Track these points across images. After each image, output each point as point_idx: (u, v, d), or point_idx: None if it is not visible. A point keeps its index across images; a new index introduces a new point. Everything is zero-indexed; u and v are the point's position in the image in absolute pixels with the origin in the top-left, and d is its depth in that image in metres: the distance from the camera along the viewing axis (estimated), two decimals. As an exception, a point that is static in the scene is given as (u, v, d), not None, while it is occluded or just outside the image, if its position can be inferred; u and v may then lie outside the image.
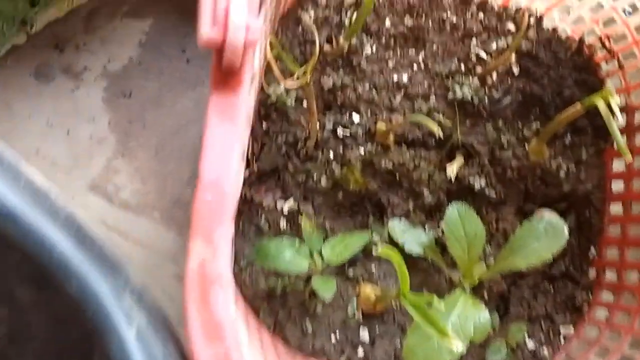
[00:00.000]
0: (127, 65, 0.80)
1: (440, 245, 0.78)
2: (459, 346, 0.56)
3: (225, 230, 0.38)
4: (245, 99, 0.38)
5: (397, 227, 0.77)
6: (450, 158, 0.80)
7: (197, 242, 0.37)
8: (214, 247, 0.37)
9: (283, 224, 0.74)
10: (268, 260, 0.67)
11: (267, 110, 0.75)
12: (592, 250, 0.83)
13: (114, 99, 0.80)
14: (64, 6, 0.77)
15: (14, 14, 0.73)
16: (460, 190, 0.80)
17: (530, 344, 0.79)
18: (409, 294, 0.63)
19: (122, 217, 0.78)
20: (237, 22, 0.34)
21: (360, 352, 0.75)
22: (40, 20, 0.76)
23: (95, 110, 0.79)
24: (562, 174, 0.81)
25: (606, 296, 0.80)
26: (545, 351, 0.79)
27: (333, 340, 0.74)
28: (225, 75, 0.38)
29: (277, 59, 0.58)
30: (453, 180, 0.76)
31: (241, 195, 0.73)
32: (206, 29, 0.35)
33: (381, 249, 0.56)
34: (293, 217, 0.75)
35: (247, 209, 0.73)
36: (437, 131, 0.65)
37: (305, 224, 0.71)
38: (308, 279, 0.71)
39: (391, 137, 0.78)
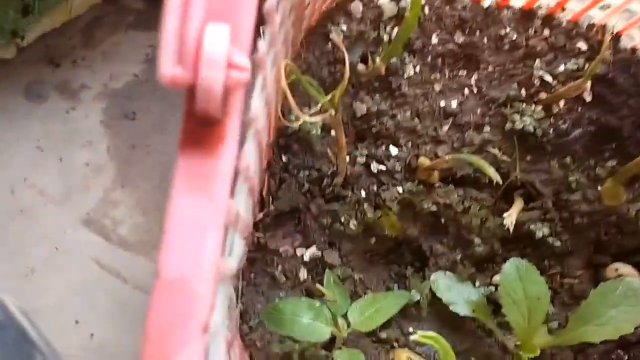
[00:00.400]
0: (131, 83, 0.70)
1: (492, 303, 0.66)
2: None
3: (195, 351, 0.26)
4: (232, 159, 0.26)
5: (442, 281, 0.65)
6: (507, 200, 0.67)
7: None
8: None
9: (303, 274, 0.63)
10: (282, 326, 0.55)
11: (287, 140, 0.64)
12: (678, 314, 0.68)
13: (115, 122, 0.70)
14: (61, 16, 0.67)
15: (2, 24, 0.64)
16: (518, 239, 0.67)
17: None
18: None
19: (119, 255, 0.68)
20: (213, 57, 0.23)
21: None
22: (33, 32, 0.67)
23: (93, 134, 0.69)
24: (642, 221, 0.67)
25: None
26: None
27: (361, 419, 0.62)
28: (202, 127, 0.26)
29: (296, 85, 0.46)
30: (512, 230, 0.62)
31: (253, 241, 0.62)
32: (168, 67, 0.23)
33: (420, 334, 0.44)
34: (315, 267, 0.64)
35: (260, 257, 0.62)
36: (495, 176, 0.52)
37: (329, 279, 0.59)
38: (332, 341, 0.60)
39: (435, 174, 0.66)
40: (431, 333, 0.45)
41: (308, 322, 0.56)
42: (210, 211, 0.27)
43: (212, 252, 0.27)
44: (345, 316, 0.58)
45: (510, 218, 0.62)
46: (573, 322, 0.60)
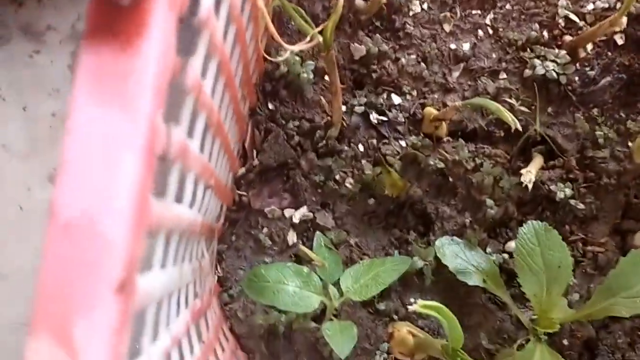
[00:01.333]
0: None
1: (505, 273, 0.59)
2: None
3: (105, 315, 0.19)
4: (158, 59, 0.19)
5: (448, 247, 0.58)
6: (525, 157, 0.60)
7: (41, 344, 0.19)
8: (74, 354, 0.18)
9: (292, 238, 0.57)
10: (264, 295, 0.49)
11: (274, 85, 0.57)
12: None
13: (85, 68, 0.62)
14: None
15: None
16: (536, 201, 0.61)
17: (625, 409, 0.59)
18: (460, 352, 0.44)
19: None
20: None
21: (392, 416, 0.56)
22: (-8, -36, 0.60)
23: (60, 80, 0.62)
24: (679, 182, 0.60)
25: None
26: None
27: (355, 399, 0.56)
28: (115, 10, 0.19)
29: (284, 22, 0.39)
30: (530, 188, 0.55)
31: (234, 199, 0.55)
32: None
33: (420, 304, 0.37)
34: (306, 230, 0.57)
35: (243, 217, 0.56)
36: (514, 123, 0.45)
37: (319, 242, 0.52)
38: (323, 312, 0.53)
39: (444, 127, 0.59)
40: (434, 303, 0.39)
41: (294, 290, 0.49)
42: (124, 127, 0.20)
43: (128, 185, 0.20)
44: (337, 284, 0.52)
45: (528, 175, 0.54)
46: (598, 294, 0.53)
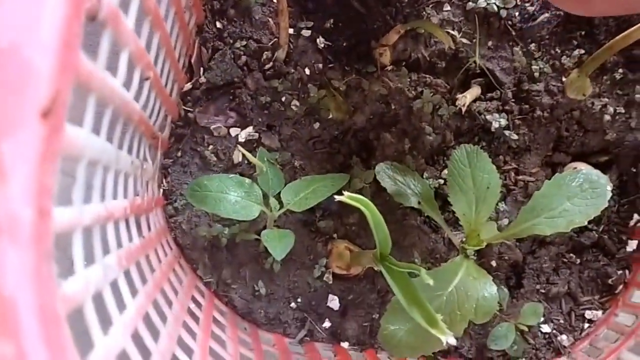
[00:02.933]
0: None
1: (441, 199, 0.61)
2: (451, 340, 0.39)
3: (30, 136, 0.20)
4: None
5: (388, 171, 0.60)
6: (464, 88, 0.62)
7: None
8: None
9: (237, 157, 0.58)
10: (206, 203, 0.50)
11: (222, 4, 0.57)
12: (635, 217, 0.65)
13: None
14: None
15: None
16: (473, 130, 0.63)
17: (546, 328, 0.63)
18: (389, 258, 0.47)
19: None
20: None
21: (327, 323, 0.59)
22: None
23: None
24: (606, 117, 0.63)
25: (649, 276, 0.63)
26: (564, 339, 0.63)
27: (293, 306, 0.58)
28: None
29: None
30: (464, 111, 0.57)
31: (180, 113, 0.56)
32: None
33: (347, 195, 0.39)
34: (252, 150, 0.58)
35: (189, 133, 0.57)
36: (449, 43, 0.47)
37: (262, 157, 0.53)
38: (265, 227, 0.55)
39: (388, 55, 0.60)
40: (358, 196, 0.40)
41: (236, 199, 0.51)
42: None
43: (52, 13, 0.21)
44: (278, 197, 0.53)
45: (463, 99, 0.57)
46: (523, 214, 0.56)
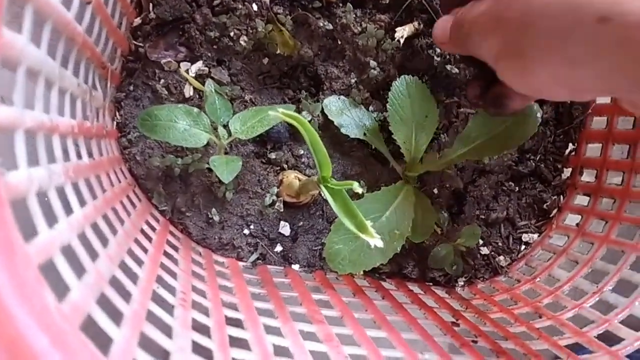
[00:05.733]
0: None
1: (386, 131, 0.64)
2: (378, 243, 0.43)
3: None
4: None
5: (334, 104, 0.63)
6: (407, 24, 0.64)
7: None
8: None
9: (189, 91, 0.60)
10: (156, 132, 0.52)
11: (168, -62, 0.58)
12: (570, 146, 0.69)
13: None
14: None
15: None
16: (416, 66, 0.65)
17: (485, 251, 0.68)
18: (330, 179, 0.50)
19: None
20: None
21: (279, 248, 0.62)
22: None
23: None
24: (542, 51, 0.66)
25: (580, 200, 0.67)
26: (502, 259, 0.68)
27: (246, 232, 0.61)
28: None
29: None
30: (402, 43, 0.60)
31: (130, 48, 0.58)
32: None
33: (281, 111, 0.41)
34: (203, 84, 0.60)
35: (140, 68, 0.58)
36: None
37: (210, 87, 0.56)
38: (219, 160, 0.57)
39: (332, -11, 0.62)
40: (294, 114, 0.43)
41: (185, 127, 0.53)
42: None
43: None
44: (226, 127, 0.56)
45: (401, 32, 0.59)
46: (459, 141, 0.59)
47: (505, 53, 0.37)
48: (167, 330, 0.36)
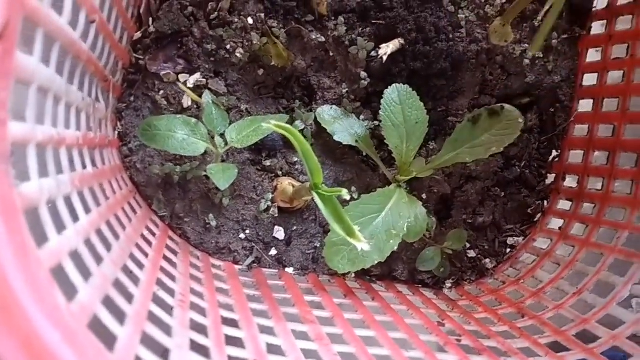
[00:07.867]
0: None
1: (377, 139, 0.67)
2: (364, 247, 0.46)
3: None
4: None
5: (327, 113, 0.66)
6: (395, 37, 0.67)
7: None
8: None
9: (187, 101, 0.62)
10: (156, 141, 0.55)
11: (167, -44, 0.61)
12: (554, 153, 0.72)
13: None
14: None
15: None
16: (407, 77, 0.67)
17: (472, 254, 0.70)
18: (321, 186, 0.52)
19: None
20: None
21: (273, 252, 0.65)
22: None
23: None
24: (526, 62, 0.69)
25: (563, 205, 0.70)
26: (487, 262, 0.70)
27: (242, 237, 0.64)
28: None
29: None
30: (384, 59, 0.63)
31: (131, 60, 0.60)
32: None
33: (273, 123, 0.44)
34: (200, 95, 0.62)
35: (140, 80, 0.61)
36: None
37: (207, 98, 0.58)
38: (216, 167, 0.60)
39: (324, 5, 0.64)
40: (286, 125, 0.45)
41: (183, 137, 0.56)
42: None
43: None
44: (223, 136, 0.59)
45: (385, 49, 0.62)
46: (448, 145, 0.62)
47: None
48: (166, 329, 0.39)
